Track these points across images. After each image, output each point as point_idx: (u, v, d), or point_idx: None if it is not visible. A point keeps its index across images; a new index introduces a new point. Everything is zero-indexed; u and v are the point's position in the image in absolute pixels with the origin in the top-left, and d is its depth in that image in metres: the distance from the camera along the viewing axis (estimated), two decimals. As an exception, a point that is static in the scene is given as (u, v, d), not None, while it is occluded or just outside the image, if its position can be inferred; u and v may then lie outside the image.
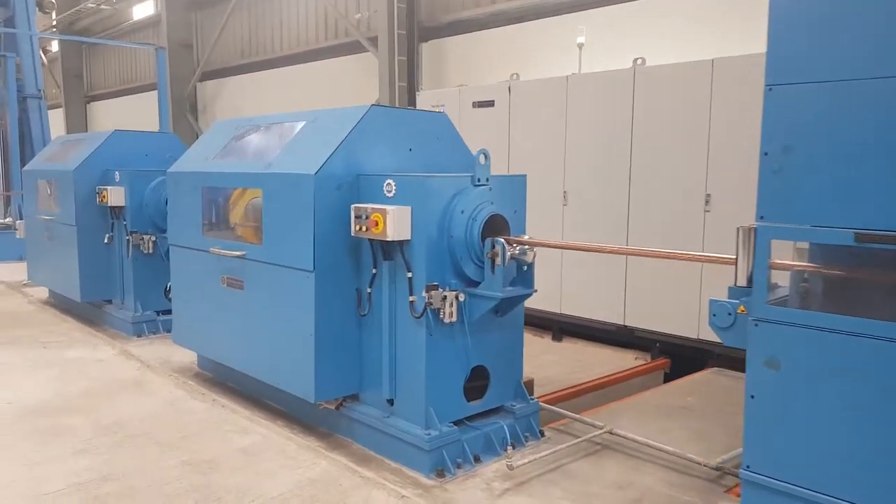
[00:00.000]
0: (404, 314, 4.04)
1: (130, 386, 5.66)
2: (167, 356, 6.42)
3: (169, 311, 7.20)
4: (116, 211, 7.09)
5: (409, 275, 3.97)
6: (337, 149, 4.18)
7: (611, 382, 5.92)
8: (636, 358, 6.63)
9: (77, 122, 23.17)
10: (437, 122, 4.71)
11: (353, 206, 4.09)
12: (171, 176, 5.51)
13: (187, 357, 6.26)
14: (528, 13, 9.53)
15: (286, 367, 4.46)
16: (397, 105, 10.30)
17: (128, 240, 6.98)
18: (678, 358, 6.48)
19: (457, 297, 3.94)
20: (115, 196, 6.91)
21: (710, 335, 6.16)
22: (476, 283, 4.05)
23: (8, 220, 12.83)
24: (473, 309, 4.00)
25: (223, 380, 5.64)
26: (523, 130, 7.48)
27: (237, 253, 4.76)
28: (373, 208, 3.95)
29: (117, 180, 7.04)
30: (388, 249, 4.07)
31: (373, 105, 4.37)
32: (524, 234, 4.30)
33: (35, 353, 6.60)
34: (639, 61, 6.53)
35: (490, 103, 7.76)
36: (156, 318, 7.17)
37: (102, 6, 20.25)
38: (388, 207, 3.88)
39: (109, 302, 7.54)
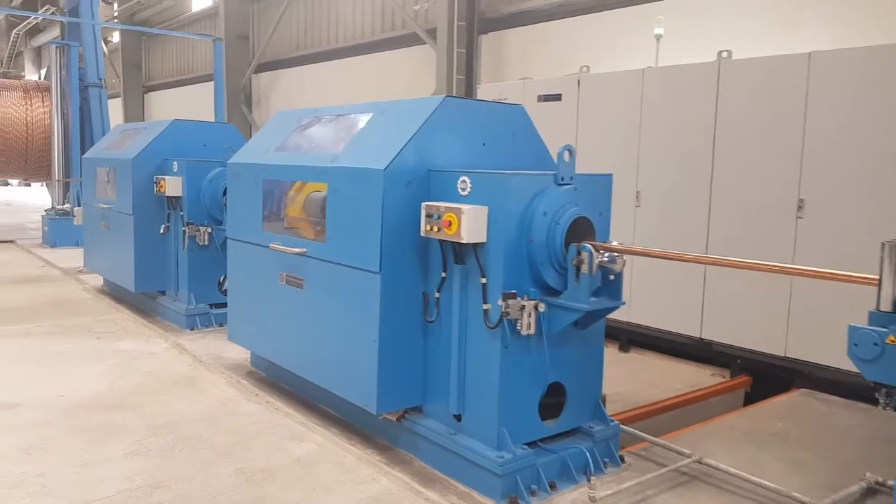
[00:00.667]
0: (476, 323, 3.72)
1: (183, 383, 5.48)
2: (219, 352, 6.23)
3: (222, 305, 7.07)
4: (173, 201, 6.94)
5: (484, 281, 3.64)
6: (408, 142, 3.87)
7: (689, 402, 5.49)
8: (713, 374, 6.18)
9: (135, 112, 23.53)
10: (513, 116, 4.37)
11: (423, 204, 3.77)
12: (231, 167, 5.29)
13: (240, 354, 6.06)
14: (600, 4, 9.06)
15: (346, 373, 4.19)
16: (456, 99, 9.94)
17: (184, 231, 6.82)
18: (760, 376, 6.01)
19: (536, 308, 3.59)
20: (173, 186, 6.76)
21: (799, 353, 5.73)
22: (555, 292, 3.70)
23: (66, 206, 12.94)
24: (553, 321, 3.65)
25: (277, 380, 5.41)
26: (592, 126, 7.07)
27: (298, 250, 4.51)
28: (446, 207, 3.63)
29: (175, 170, 6.89)
30: (460, 252, 3.75)
31: (446, 96, 4.05)
32: (608, 239, 3.93)
33: (88, 343, 6.49)
34: (724, 54, 6.06)
35: (557, 97, 7.37)
36: (209, 312, 7.01)
37: (163, -3, 20.49)
38: (463, 207, 3.56)
39: (163, 293, 7.41)
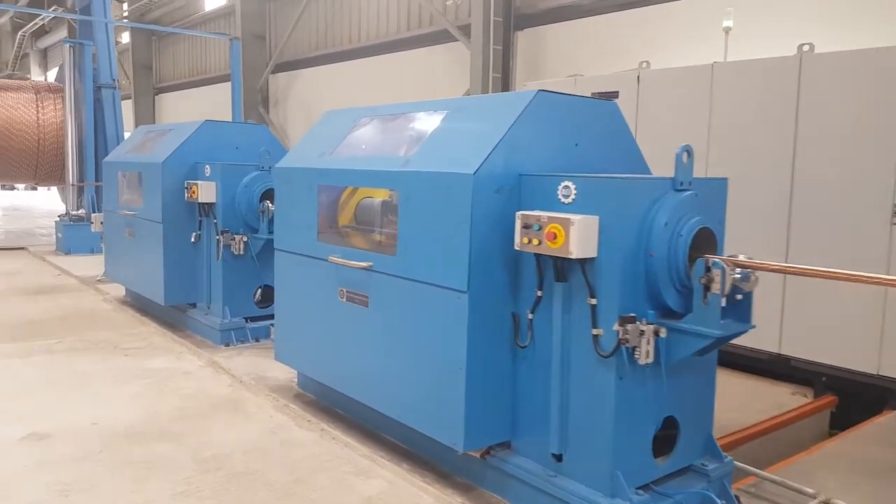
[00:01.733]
0: (582, 350, 3.25)
1: (225, 406, 5.02)
2: (261, 371, 5.77)
3: (258, 318, 6.62)
4: (206, 207, 6.47)
5: (593, 301, 3.17)
6: (499, 143, 3.41)
7: (778, 426, 5.02)
8: (793, 393, 5.70)
9: (145, 114, 23.10)
10: (607, 112, 3.91)
11: (519, 213, 3.31)
12: (279, 172, 4.83)
13: (283, 373, 5.60)
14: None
15: (422, 404, 3.72)
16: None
17: (217, 239, 6.35)
18: (846, 395, 5.53)
19: (656, 333, 3.12)
20: (206, 191, 6.29)
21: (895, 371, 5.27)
22: (673, 314, 3.23)
23: (81, 211, 12.48)
24: (675, 348, 3.17)
25: (329, 404, 4.94)
26: (653, 125, 6.59)
27: (362, 264, 4.04)
28: (549, 217, 3.16)
29: (208, 174, 6.43)
30: (563, 268, 3.28)
31: (540, 90, 3.58)
32: (723, 252, 3.47)
33: (117, 361, 6.03)
34: (805, 47, 5.59)
35: (614, 94, 6.89)
36: (244, 326, 6.53)
37: (175, -4, 20.05)
38: (571, 217, 3.09)
39: (193, 305, 6.95)
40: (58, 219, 12.88)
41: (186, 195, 6.48)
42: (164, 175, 6.53)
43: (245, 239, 6.34)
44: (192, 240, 6.65)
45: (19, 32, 30.89)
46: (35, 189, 30.73)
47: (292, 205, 4.71)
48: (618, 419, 3.15)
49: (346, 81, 14.31)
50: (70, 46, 12.58)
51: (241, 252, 6.34)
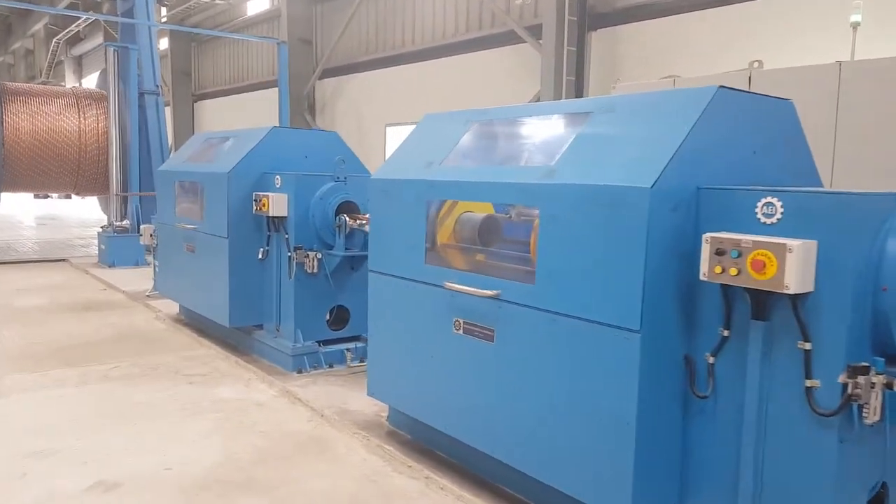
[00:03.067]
0: (790, 406, 2.63)
1: (310, 447, 4.46)
2: (342, 402, 5.21)
3: (331, 342, 6.08)
4: (276, 222, 5.94)
5: (807, 346, 2.56)
6: (678, 150, 2.81)
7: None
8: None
9: (184, 122, 22.82)
10: (783, 114, 3.30)
11: (708, 236, 2.70)
12: (378, 185, 4.26)
13: (368, 405, 5.04)
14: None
15: (569, 461, 3.12)
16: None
17: (290, 256, 5.81)
18: None
19: (888, 386, 2.50)
20: (278, 204, 5.76)
21: None
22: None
23: (125, 222, 12.07)
24: (909, 403, 2.55)
25: (429, 445, 4.36)
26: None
27: (488, 292, 3.45)
28: (755, 242, 2.56)
29: (278, 186, 5.90)
30: (764, 304, 2.67)
31: (720, 87, 2.98)
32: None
33: (181, 390, 5.50)
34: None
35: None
36: (317, 350, 5.98)
37: (217, 0, 19.68)
38: (788, 242, 2.48)
39: (259, 326, 6.41)
40: (100, 230, 12.51)
41: (255, 208, 5.96)
42: (230, 186, 6.01)
43: (319, 256, 5.79)
44: (260, 256, 6.13)
45: (54, 39, 30.97)
46: (69, 198, 30.70)
47: (393, 221, 4.14)
48: (837, 488, 2.54)
49: (400, 86, 13.75)
50: (114, 51, 12.19)
51: (315, 270, 5.79)
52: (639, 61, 9.03)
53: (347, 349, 6.03)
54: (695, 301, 2.91)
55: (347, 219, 5.73)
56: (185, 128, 22.41)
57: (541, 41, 10.00)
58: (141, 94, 12.99)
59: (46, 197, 31.53)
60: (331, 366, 5.97)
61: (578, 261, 3.03)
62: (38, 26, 30.36)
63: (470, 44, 11.89)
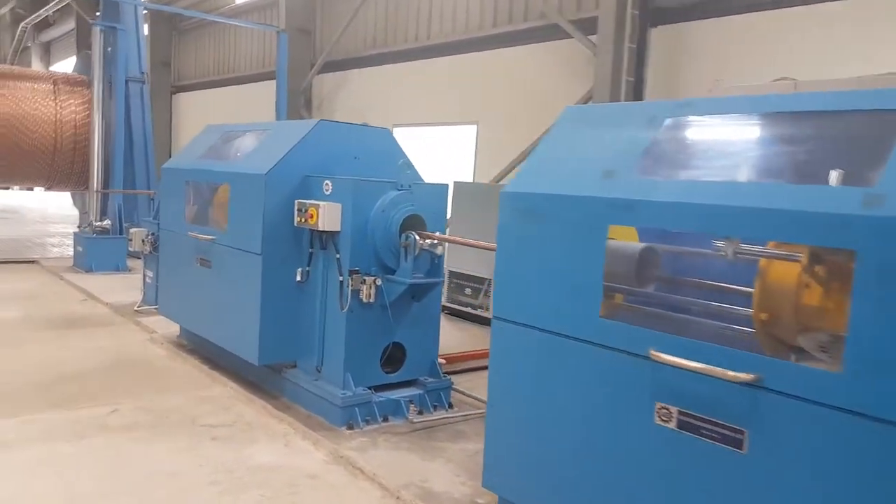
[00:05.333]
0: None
1: (396, 549, 3.32)
2: (419, 478, 4.06)
3: (384, 388, 4.92)
4: (324, 237, 4.75)
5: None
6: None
7: None
8: None
9: (161, 115, 21.20)
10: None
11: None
12: (520, 199, 3.10)
13: (454, 484, 3.94)
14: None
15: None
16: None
17: (341, 281, 4.63)
18: None
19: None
20: (330, 216, 4.56)
21: None
22: None
23: (106, 222, 10.71)
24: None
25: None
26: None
27: (741, 376, 2.35)
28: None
29: (328, 192, 4.73)
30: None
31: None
32: None
33: (206, 451, 4.31)
34: None
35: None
36: (370, 399, 4.78)
37: (202, -14, 18.28)
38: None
39: (293, 363, 5.21)
40: (77, 230, 11.14)
41: (297, 219, 4.77)
42: (268, 191, 4.80)
43: (378, 282, 4.64)
44: (298, 278, 4.93)
45: (21, 24, 29.07)
46: (31, 189, 28.82)
47: (540, 255, 3.01)
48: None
49: (410, 84, 12.56)
50: (101, 30, 10.83)
51: (371, 299, 4.64)
52: (702, 61, 8.02)
53: (409, 400, 4.88)
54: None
55: (417, 237, 4.59)
56: (163, 120, 20.81)
57: (590, 37, 8.96)
58: (125, 82, 11.65)
59: (7, 188, 29.62)
60: (385, 419, 4.80)
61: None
62: (4, 10, 28.46)
63: (496, 39, 10.70)
